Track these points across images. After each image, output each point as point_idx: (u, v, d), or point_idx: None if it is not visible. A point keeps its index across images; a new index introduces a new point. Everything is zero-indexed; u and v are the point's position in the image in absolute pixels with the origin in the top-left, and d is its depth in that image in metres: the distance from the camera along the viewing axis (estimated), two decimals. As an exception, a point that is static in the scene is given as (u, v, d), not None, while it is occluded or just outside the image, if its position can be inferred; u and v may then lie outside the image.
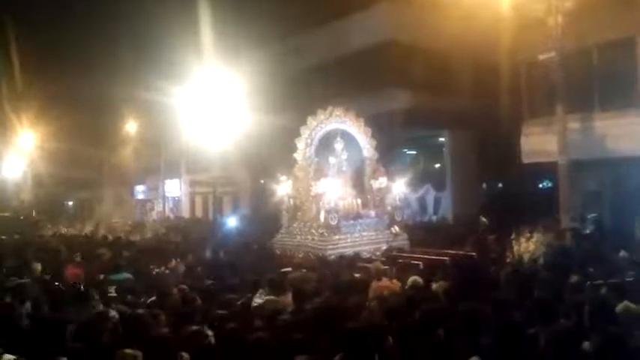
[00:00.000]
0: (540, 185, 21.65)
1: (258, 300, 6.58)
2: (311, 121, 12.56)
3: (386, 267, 8.45)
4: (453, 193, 21.22)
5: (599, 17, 13.51)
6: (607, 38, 14.13)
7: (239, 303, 5.87)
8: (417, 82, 18.35)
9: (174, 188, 33.65)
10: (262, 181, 13.31)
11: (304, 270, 8.44)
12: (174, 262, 10.83)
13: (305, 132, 12.47)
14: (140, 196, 37.12)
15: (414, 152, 25.10)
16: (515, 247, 10.32)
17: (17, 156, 32.91)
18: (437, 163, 24.47)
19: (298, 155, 12.52)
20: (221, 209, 27.80)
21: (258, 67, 20.37)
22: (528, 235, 10.39)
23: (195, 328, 4.55)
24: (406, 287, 6.78)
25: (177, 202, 34.46)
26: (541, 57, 14.32)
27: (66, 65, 27.88)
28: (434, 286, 6.69)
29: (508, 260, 9.80)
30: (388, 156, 17.79)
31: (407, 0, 17.46)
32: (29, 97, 29.59)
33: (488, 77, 17.12)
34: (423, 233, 13.98)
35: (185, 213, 31.83)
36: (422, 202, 21.93)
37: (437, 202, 21.72)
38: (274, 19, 20.18)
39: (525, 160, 16.25)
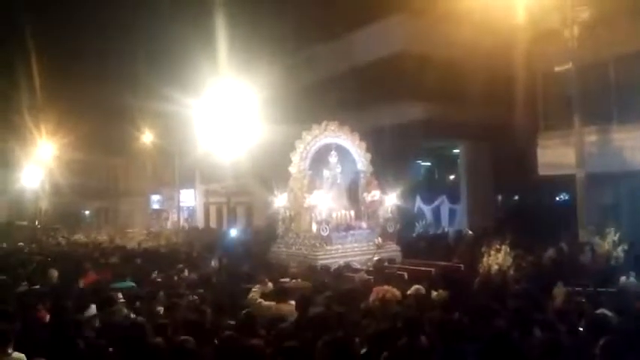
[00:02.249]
0: (557, 198, 21.37)
1: (258, 297, 6.80)
2: (305, 136, 12.78)
3: (370, 277, 8.67)
4: (467, 205, 21.03)
5: (615, 29, 13.33)
6: (624, 50, 13.91)
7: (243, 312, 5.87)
8: (431, 94, 18.22)
9: (189, 198, 33.83)
10: (275, 192, 13.36)
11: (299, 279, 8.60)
12: (186, 272, 10.85)
13: (300, 146, 12.72)
14: (156, 206, 37.37)
15: (429, 164, 24.97)
16: (485, 258, 10.38)
17: (36, 166, 33.42)
18: (452, 174, 24.33)
19: (293, 168, 12.75)
20: (235, 219, 27.88)
21: (271, 78, 20.46)
22: (497, 247, 10.44)
23: (184, 337, 4.54)
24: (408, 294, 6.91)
25: (192, 211, 34.63)
26: (557, 68, 14.15)
27: (83, 77, 28.35)
28: (433, 294, 6.86)
29: (480, 270, 10.02)
30: (402, 167, 17.72)
31: (420, 11, 17.40)
32: (48, 108, 30.09)
33: (503, 88, 16.93)
34: (417, 245, 14.34)
35: (200, 223, 31.97)
36: (436, 213, 21.76)
37: (452, 213, 21.54)
38: (287, 31, 20.31)
39: (541, 172, 16.03)
